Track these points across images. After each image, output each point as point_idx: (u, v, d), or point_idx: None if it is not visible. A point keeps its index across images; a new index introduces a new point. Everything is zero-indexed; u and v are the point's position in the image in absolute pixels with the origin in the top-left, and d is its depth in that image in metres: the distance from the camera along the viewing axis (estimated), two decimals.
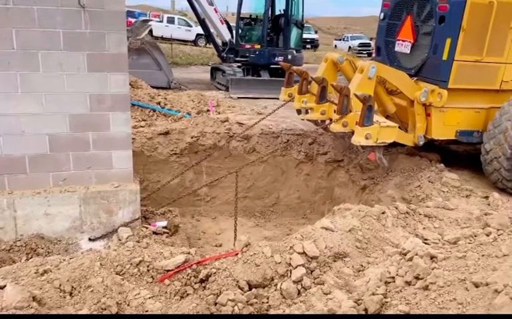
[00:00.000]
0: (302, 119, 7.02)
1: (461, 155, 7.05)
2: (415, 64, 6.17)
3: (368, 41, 36.25)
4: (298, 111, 6.83)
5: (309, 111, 6.48)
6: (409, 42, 6.26)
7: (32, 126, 4.69)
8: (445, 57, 5.66)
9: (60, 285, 3.08)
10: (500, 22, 5.53)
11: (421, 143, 5.99)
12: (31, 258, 4.39)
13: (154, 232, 5.25)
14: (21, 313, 2.62)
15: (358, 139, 5.12)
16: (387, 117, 6.22)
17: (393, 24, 6.65)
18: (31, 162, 4.80)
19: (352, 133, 5.27)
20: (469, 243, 3.32)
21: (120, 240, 4.87)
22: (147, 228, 5.28)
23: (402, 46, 6.43)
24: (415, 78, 6.08)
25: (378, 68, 5.63)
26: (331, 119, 5.68)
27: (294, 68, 6.76)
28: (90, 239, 5.06)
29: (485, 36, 5.56)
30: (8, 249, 4.65)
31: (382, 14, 6.94)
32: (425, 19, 6.00)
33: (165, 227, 5.53)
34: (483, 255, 2.97)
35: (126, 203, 5.13)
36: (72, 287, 3.11)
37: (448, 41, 5.60)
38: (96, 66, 4.70)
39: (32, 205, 4.79)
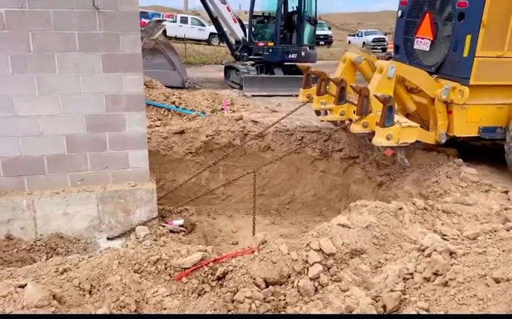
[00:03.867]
0: (322, 121, 7.00)
1: (480, 149, 6.93)
2: (435, 61, 6.10)
3: (383, 36, 35.89)
4: (317, 113, 6.81)
5: (328, 112, 6.46)
6: (429, 39, 6.18)
7: (50, 127, 4.76)
8: (465, 54, 5.58)
9: (79, 283, 3.12)
10: None
11: (443, 140, 5.92)
12: (51, 257, 4.46)
13: (171, 231, 5.29)
14: (42, 311, 2.66)
15: (379, 140, 5.09)
16: (407, 115, 6.17)
17: (412, 22, 6.59)
18: (49, 163, 4.87)
19: (373, 133, 5.24)
20: (489, 238, 3.26)
21: (137, 239, 4.92)
22: (164, 226, 5.32)
23: (421, 44, 6.36)
24: (435, 76, 6.01)
25: (397, 67, 5.59)
26: (351, 120, 5.65)
27: (312, 69, 6.76)
28: (108, 238, 5.12)
29: (506, 31, 5.46)
30: (28, 249, 4.73)
31: (400, 11, 6.87)
32: (445, 16, 5.92)
33: (181, 225, 5.56)
34: (503, 250, 2.92)
35: (143, 202, 5.18)
36: (92, 285, 3.15)
37: (468, 38, 5.51)
38: (111, 66, 4.75)
39: (51, 204, 4.87)
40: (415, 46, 6.52)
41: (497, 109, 5.89)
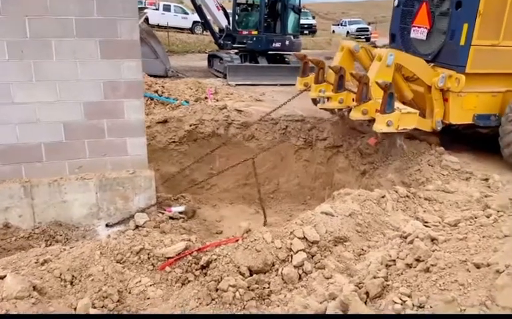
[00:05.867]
0: (321, 109, 7.03)
1: (462, 136, 7.00)
2: (432, 50, 6.16)
3: (366, 26, 36.04)
4: (314, 101, 6.84)
5: (325, 100, 6.51)
6: (425, 28, 6.24)
7: (47, 114, 4.65)
8: (462, 42, 5.65)
9: (60, 274, 3.08)
10: None
11: (439, 128, 6.02)
12: (50, 245, 4.39)
13: (171, 217, 5.25)
14: (22, 303, 2.61)
15: (380, 127, 5.18)
16: (403, 103, 6.24)
17: (408, 11, 6.64)
18: (47, 150, 4.76)
19: (372, 120, 5.31)
20: (470, 225, 3.32)
21: (137, 226, 4.87)
22: (163, 213, 5.29)
23: (418, 33, 6.41)
24: (432, 64, 6.07)
25: (396, 55, 5.66)
26: (349, 107, 5.70)
27: (310, 58, 6.84)
28: (107, 225, 5.04)
29: (501, 20, 5.54)
30: (27, 237, 4.61)
31: (396, 1, 6.93)
32: (441, 5, 5.98)
33: (181, 212, 5.54)
34: (483, 236, 2.97)
35: (142, 189, 5.12)
36: (73, 276, 3.11)
37: (465, 26, 5.58)
38: (108, 52, 4.65)
39: (49, 192, 4.77)
40: (412, 35, 6.58)
41: (492, 97, 5.99)
